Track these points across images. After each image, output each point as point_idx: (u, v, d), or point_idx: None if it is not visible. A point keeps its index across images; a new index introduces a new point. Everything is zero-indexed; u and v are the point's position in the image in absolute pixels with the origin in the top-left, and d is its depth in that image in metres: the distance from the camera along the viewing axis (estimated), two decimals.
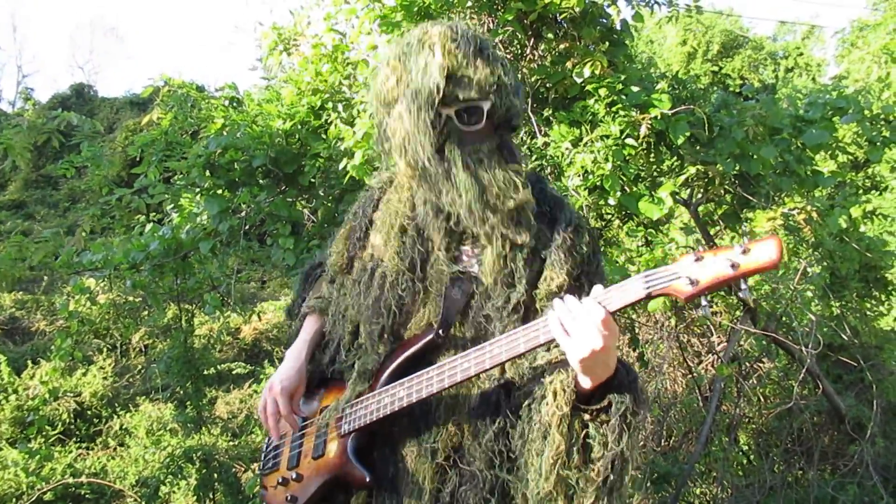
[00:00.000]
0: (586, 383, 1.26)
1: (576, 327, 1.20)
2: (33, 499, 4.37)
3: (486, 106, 1.43)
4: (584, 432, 1.28)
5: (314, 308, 1.75)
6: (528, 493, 1.31)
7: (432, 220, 1.49)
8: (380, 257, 1.57)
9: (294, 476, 1.53)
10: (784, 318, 4.14)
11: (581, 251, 1.49)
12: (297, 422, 1.61)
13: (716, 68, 18.58)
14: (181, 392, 4.83)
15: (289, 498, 1.53)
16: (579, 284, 1.46)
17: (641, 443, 4.30)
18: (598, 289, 1.25)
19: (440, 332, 1.45)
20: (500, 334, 1.37)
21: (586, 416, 1.29)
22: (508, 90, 1.45)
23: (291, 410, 1.58)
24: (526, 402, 1.36)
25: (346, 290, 1.64)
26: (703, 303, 1.21)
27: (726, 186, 3.37)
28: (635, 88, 3.04)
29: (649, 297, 1.20)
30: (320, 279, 1.82)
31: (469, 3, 3.26)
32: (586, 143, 2.96)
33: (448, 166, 1.44)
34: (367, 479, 1.43)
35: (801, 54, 20.25)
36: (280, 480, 1.56)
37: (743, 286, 1.16)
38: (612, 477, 1.26)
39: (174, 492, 4.64)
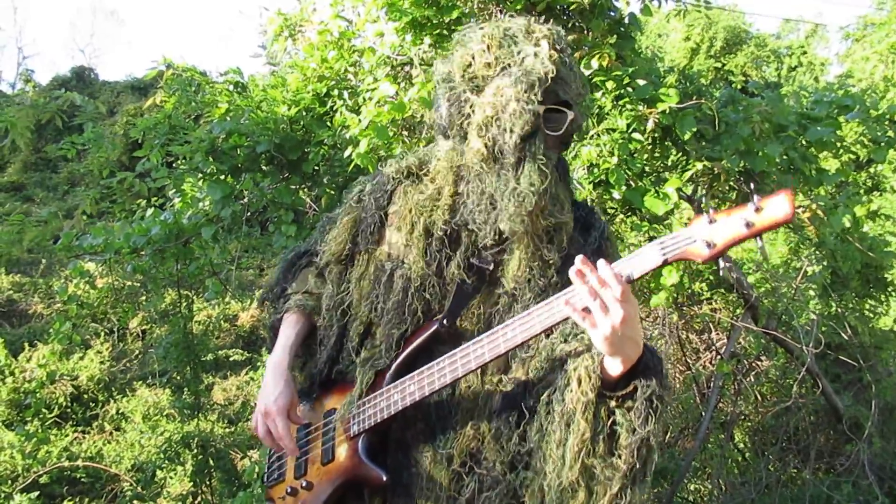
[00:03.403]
0: (614, 367, 1.21)
1: (595, 302, 1.15)
2: (29, 481, 4.36)
3: (571, 115, 1.43)
4: (610, 420, 1.24)
5: (301, 306, 1.64)
6: (547, 485, 1.26)
7: (482, 213, 1.43)
8: (399, 257, 1.49)
9: (304, 484, 1.48)
10: (784, 317, 4.14)
11: (613, 258, 1.40)
12: (296, 438, 1.55)
13: (719, 64, 18.55)
14: (178, 377, 4.82)
15: None
16: None
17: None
18: (617, 262, 1.21)
19: (444, 321, 1.41)
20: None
21: (612, 403, 1.24)
22: (585, 110, 1.48)
23: (289, 432, 1.50)
24: (545, 395, 1.32)
25: (352, 284, 1.55)
26: (722, 264, 1.21)
27: (731, 183, 3.36)
28: (643, 82, 3.02)
29: (666, 263, 1.18)
30: (305, 270, 1.71)
31: None
32: (592, 136, 2.94)
33: (523, 156, 1.38)
34: (384, 479, 1.38)
35: (805, 52, 20.20)
36: (288, 490, 1.51)
37: (759, 243, 1.17)
38: (637, 465, 1.22)
39: (170, 477, 4.64)
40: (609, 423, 1.24)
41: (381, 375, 1.45)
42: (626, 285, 1.16)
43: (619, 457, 1.22)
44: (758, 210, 1.12)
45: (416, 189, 1.54)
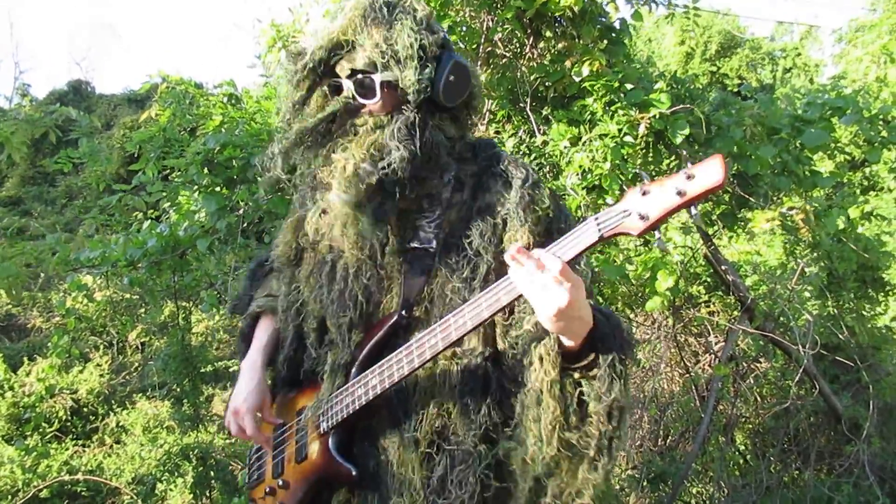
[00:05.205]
0: (569, 342, 1.21)
1: (535, 285, 1.13)
2: (29, 496, 4.35)
3: (379, 78, 1.33)
4: (577, 391, 1.24)
5: (265, 308, 1.66)
6: (531, 459, 1.26)
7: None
8: (340, 248, 1.48)
9: (280, 483, 1.50)
10: (781, 318, 4.14)
11: (543, 205, 1.40)
12: (270, 435, 1.57)
13: (714, 68, 18.61)
14: (178, 389, 4.82)
15: None
16: (551, 241, 1.31)
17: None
18: (555, 242, 1.19)
19: (402, 312, 1.40)
20: None
21: (577, 375, 1.24)
22: (423, 62, 1.32)
23: (258, 429, 1.54)
24: (518, 374, 1.31)
25: (301, 283, 1.55)
26: (658, 235, 1.17)
27: (724, 186, 3.37)
28: (634, 87, 3.04)
29: (602, 240, 1.16)
30: (269, 276, 1.72)
31: (468, 0, 3.25)
32: (585, 141, 2.96)
33: (330, 140, 1.38)
34: (353, 474, 1.39)
35: (799, 55, 20.26)
36: (268, 490, 1.53)
37: (693, 212, 1.13)
38: (609, 427, 1.22)
39: (171, 489, 4.63)
40: (577, 395, 1.24)
41: (347, 371, 1.45)
42: (563, 265, 1.12)
43: (591, 424, 1.23)
44: (689, 177, 1.09)
45: None
